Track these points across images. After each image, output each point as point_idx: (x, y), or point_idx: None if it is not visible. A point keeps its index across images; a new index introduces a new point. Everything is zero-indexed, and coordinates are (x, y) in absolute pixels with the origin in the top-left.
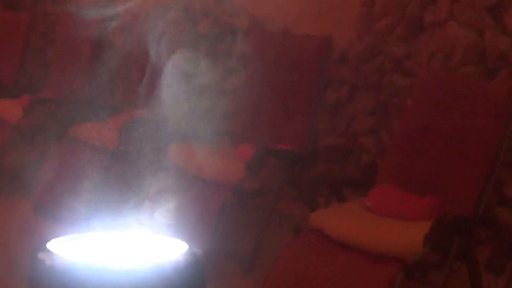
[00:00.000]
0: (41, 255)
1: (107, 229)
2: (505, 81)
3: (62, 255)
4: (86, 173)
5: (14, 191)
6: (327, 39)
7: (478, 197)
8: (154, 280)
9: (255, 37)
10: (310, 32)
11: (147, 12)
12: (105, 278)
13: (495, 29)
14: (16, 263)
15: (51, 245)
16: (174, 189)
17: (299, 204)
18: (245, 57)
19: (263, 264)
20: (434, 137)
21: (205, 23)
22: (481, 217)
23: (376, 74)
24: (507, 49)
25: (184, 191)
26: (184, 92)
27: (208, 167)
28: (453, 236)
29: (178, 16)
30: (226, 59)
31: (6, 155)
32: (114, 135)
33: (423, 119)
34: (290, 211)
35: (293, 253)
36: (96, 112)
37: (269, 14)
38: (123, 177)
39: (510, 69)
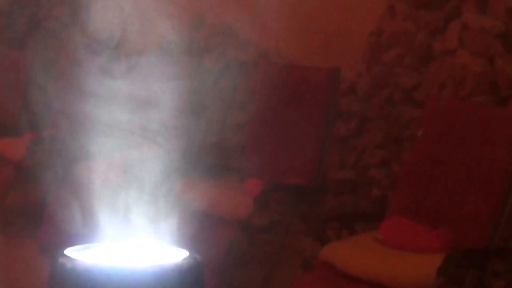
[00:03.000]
0: (62, 260)
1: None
2: None
3: (81, 259)
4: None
5: (19, 230)
6: (335, 71)
7: (493, 228)
8: (159, 281)
9: (262, 70)
10: (318, 64)
11: (151, 48)
12: (117, 279)
13: (506, 57)
14: None
15: (69, 252)
16: (181, 225)
17: (309, 238)
18: (252, 90)
19: None
20: (446, 167)
21: (210, 57)
22: (496, 249)
23: (385, 105)
24: None
25: (192, 227)
26: (191, 127)
27: (216, 203)
28: (467, 268)
29: (183, 50)
30: (232, 93)
31: (10, 193)
32: (119, 172)
33: (434, 150)
34: (300, 246)
35: None
36: (102, 149)
37: (275, 47)
38: (127, 212)
39: None
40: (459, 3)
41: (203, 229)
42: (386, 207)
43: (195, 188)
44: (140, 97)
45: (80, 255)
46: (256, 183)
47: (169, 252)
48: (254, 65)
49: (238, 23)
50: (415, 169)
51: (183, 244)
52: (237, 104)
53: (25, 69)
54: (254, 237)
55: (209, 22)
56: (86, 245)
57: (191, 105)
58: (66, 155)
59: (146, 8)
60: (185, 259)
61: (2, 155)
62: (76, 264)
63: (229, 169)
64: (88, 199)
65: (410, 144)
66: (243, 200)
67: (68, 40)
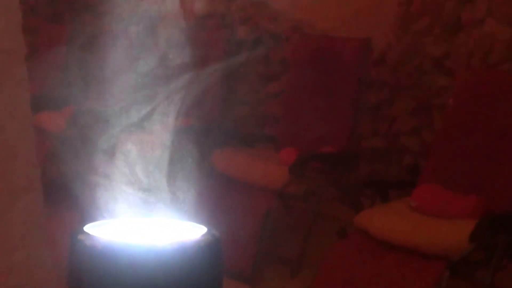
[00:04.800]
0: (81, 237)
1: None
2: None
3: (100, 236)
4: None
5: (61, 202)
6: (366, 41)
7: None
8: (178, 257)
9: (294, 41)
10: (349, 35)
11: (187, 20)
12: (137, 256)
13: None
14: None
15: (88, 228)
16: (218, 195)
17: (343, 206)
18: (285, 61)
19: (310, 267)
20: (477, 134)
21: (244, 29)
22: None
23: (415, 74)
24: None
25: (229, 196)
26: (226, 98)
27: (251, 172)
28: (499, 233)
29: (218, 23)
30: (266, 64)
31: (51, 166)
32: (157, 144)
33: (465, 118)
34: (335, 213)
35: (339, 255)
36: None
37: (307, 19)
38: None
39: None
40: None
41: (239, 198)
42: (418, 174)
43: (231, 158)
44: (176, 69)
45: (99, 232)
46: (291, 152)
47: (187, 228)
48: (287, 36)
49: None
50: (447, 136)
51: (218, 214)
52: (272, 74)
53: (64, 43)
54: (290, 206)
55: None
56: (107, 221)
57: (226, 75)
58: (104, 128)
59: None
60: (203, 235)
61: (42, 128)
62: (95, 241)
63: (265, 139)
64: (120, 173)
65: (440, 112)
66: (279, 169)
67: (106, 13)
